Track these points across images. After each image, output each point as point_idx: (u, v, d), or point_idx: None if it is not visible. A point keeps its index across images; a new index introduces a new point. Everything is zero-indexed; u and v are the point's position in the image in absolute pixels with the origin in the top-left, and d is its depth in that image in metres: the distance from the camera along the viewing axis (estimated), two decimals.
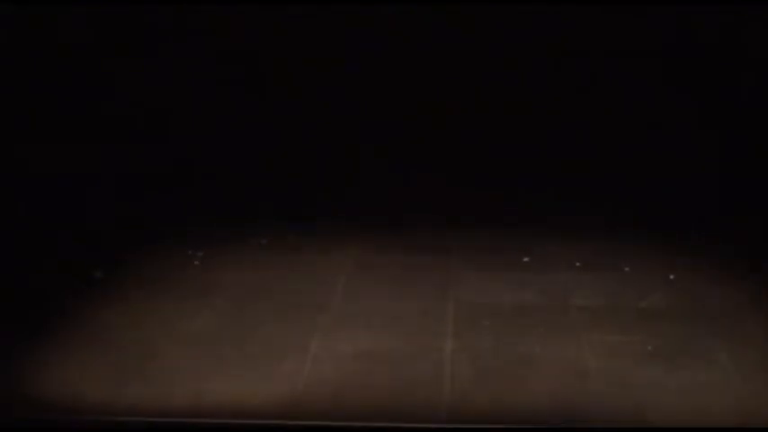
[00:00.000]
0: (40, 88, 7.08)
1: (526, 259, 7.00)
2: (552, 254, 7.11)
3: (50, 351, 5.26)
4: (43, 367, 5.06)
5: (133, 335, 5.51)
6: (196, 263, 6.97)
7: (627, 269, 6.77)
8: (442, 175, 7.59)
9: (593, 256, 7.01)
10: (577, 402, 4.71)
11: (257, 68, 7.62)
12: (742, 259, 6.80)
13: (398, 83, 7.58)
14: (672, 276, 6.59)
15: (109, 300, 6.11)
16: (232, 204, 7.53)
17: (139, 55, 7.42)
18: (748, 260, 6.79)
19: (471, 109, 7.57)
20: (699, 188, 7.44)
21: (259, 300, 6.24)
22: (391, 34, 7.45)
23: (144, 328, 5.62)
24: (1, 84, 6.83)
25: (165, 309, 5.94)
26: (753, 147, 7.34)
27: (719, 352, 5.23)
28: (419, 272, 6.65)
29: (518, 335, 5.51)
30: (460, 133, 7.62)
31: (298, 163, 7.67)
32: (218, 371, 5.04)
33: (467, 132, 7.62)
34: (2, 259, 6.07)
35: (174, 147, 7.64)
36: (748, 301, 6.07)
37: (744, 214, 7.27)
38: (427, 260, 6.94)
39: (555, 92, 7.50)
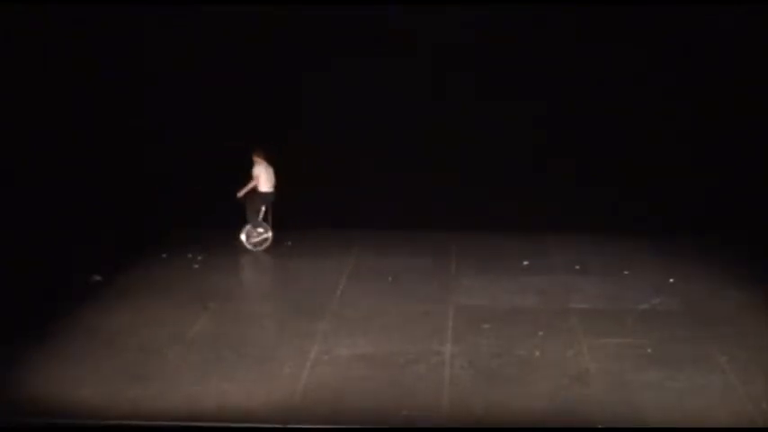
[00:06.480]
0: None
1: (526, 263, 7.02)
2: (552, 257, 7.20)
3: (51, 354, 5.26)
4: (44, 370, 5.07)
5: (133, 338, 5.52)
6: (196, 266, 6.98)
7: (626, 273, 6.78)
8: (443, 179, 7.58)
9: (593, 260, 7.08)
10: (577, 406, 4.70)
11: None
12: (741, 264, 6.86)
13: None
14: (671, 280, 6.61)
15: (109, 303, 6.14)
16: (226, 209, 7.48)
17: None
18: (748, 264, 6.84)
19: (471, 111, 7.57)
20: (697, 192, 7.44)
21: (258, 304, 6.22)
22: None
23: (144, 331, 5.63)
24: None
25: (166, 312, 5.97)
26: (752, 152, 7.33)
27: (720, 356, 5.23)
28: (419, 275, 6.71)
29: (518, 338, 5.52)
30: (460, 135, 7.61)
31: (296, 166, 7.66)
32: (217, 374, 5.04)
33: (467, 135, 7.62)
34: (2, 262, 6.06)
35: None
36: (748, 306, 6.09)
37: (743, 218, 7.28)
38: (427, 264, 6.99)
39: (556, 94, 7.49)
